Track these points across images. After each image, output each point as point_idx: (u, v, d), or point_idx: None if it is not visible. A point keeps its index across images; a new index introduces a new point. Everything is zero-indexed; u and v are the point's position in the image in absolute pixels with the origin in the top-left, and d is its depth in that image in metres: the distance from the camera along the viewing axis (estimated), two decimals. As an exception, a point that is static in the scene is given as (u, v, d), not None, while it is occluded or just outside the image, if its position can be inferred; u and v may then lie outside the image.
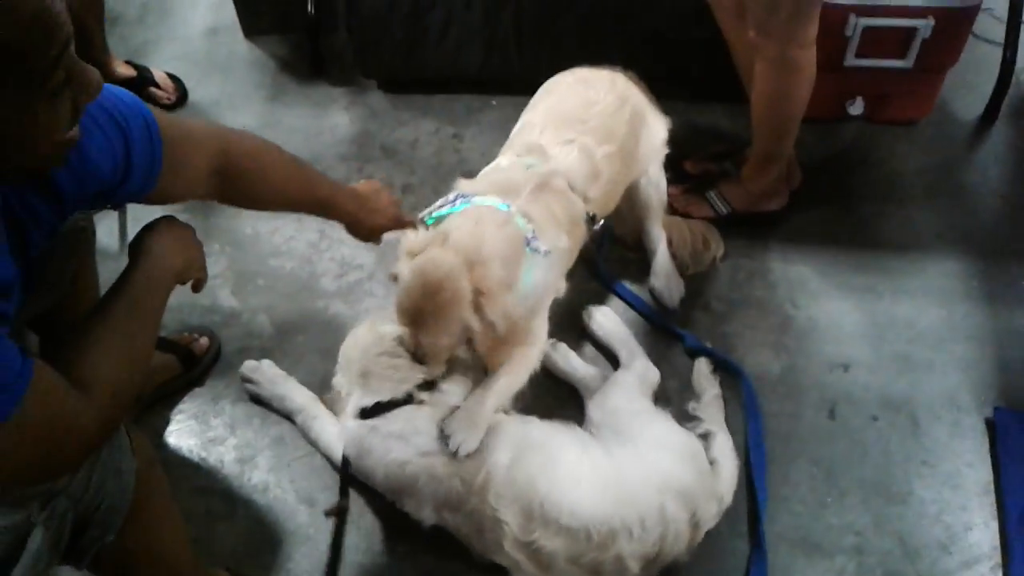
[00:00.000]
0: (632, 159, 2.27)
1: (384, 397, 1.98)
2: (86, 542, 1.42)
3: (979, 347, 2.47)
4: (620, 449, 1.95)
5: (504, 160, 2.17)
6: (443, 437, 1.90)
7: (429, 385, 2.01)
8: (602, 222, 2.21)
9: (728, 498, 2.01)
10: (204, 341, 2.48)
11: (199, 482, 2.24)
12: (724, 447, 2.13)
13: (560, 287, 2.07)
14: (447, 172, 2.97)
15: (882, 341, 2.48)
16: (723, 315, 2.55)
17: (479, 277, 1.82)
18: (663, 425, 2.07)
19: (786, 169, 2.69)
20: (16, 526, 1.30)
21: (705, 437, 2.14)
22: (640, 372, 2.26)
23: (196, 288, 1.61)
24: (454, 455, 1.87)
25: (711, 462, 2.05)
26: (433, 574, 2.06)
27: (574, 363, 2.34)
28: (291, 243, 2.80)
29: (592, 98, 2.19)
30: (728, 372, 2.38)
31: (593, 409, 2.14)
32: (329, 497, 2.18)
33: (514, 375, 2.01)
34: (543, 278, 1.95)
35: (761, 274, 2.64)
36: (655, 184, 2.42)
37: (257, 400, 2.37)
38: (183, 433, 2.33)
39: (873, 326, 2.51)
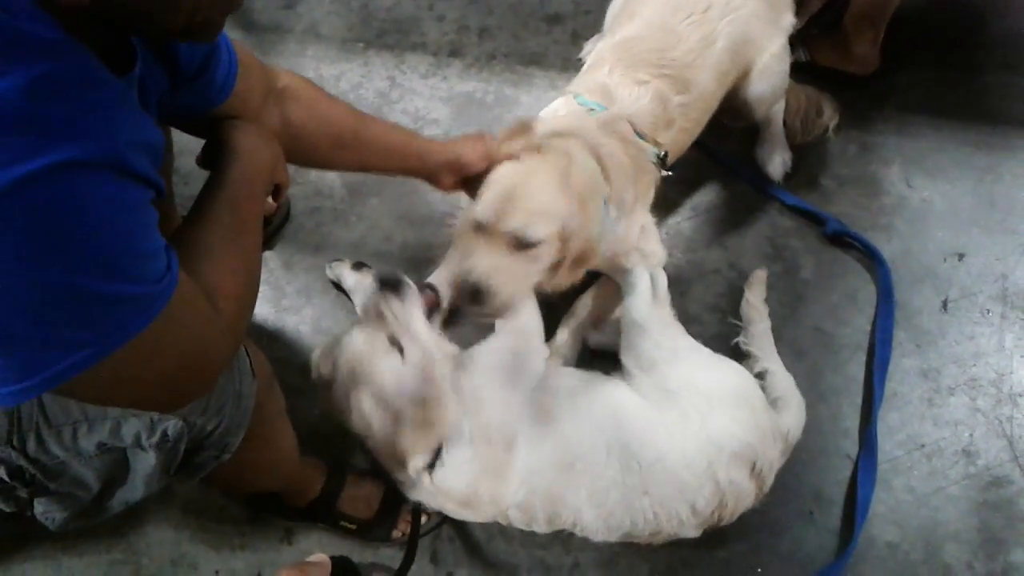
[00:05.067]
0: (721, 91, 2.04)
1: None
2: (200, 461, 1.33)
3: (1103, 239, 2.30)
4: (662, 418, 1.68)
5: (562, 104, 1.95)
6: None
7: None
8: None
9: (796, 433, 1.80)
10: (272, 201, 2.30)
11: (276, 353, 2.13)
12: (786, 385, 1.91)
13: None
14: (528, 15, 2.72)
15: (1000, 228, 2.31)
16: (832, 193, 2.37)
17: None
18: (704, 370, 1.79)
19: (882, 33, 2.44)
20: (117, 448, 1.20)
21: (761, 376, 1.92)
22: (645, 289, 1.89)
23: (277, 195, 1.44)
24: None
25: (774, 401, 1.84)
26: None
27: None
28: (359, 91, 2.57)
29: (677, 33, 1.92)
30: (868, 258, 2.25)
31: (627, 360, 1.83)
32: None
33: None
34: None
35: (875, 148, 2.43)
36: (765, 93, 2.15)
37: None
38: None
39: (992, 210, 2.34)
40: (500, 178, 1.68)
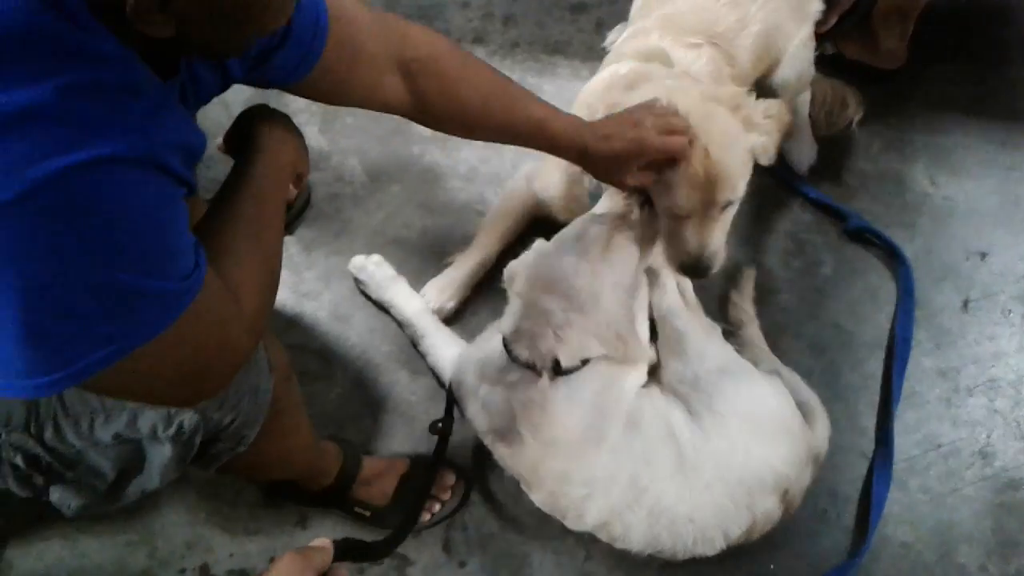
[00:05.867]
0: (754, 75, 2.02)
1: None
2: (216, 452, 1.35)
3: None
4: (710, 446, 1.65)
5: (622, 67, 1.88)
6: None
7: None
8: None
9: (824, 449, 1.76)
10: (292, 188, 2.31)
11: (294, 339, 2.14)
12: (799, 386, 1.87)
13: None
14: (552, 3, 2.71)
15: (1024, 228, 2.29)
16: (855, 189, 2.35)
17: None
18: (748, 392, 1.73)
19: (911, 27, 2.42)
20: (133, 439, 1.22)
21: None
22: (674, 292, 1.86)
23: (298, 183, 1.44)
24: None
25: (798, 406, 1.78)
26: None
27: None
28: (381, 77, 2.57)
29: (715, 12, 1.90)
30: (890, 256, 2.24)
31: (669, 369, 1.79)
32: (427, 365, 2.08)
33: None
34: None
35: (899, 145, 2.41)
36: (791, 79, 2.12)
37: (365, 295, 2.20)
38: (274, 285, 2.21)
39: (1016, 210, 2.31)
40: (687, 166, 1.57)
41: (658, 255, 1.83)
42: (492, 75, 1.53)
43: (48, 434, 1.15)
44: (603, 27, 2.63)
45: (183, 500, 1.96)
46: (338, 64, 1.31)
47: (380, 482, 1.90)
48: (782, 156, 2.34)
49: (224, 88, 1.25)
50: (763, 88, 2.12)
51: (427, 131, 2.35)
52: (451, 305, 2.11)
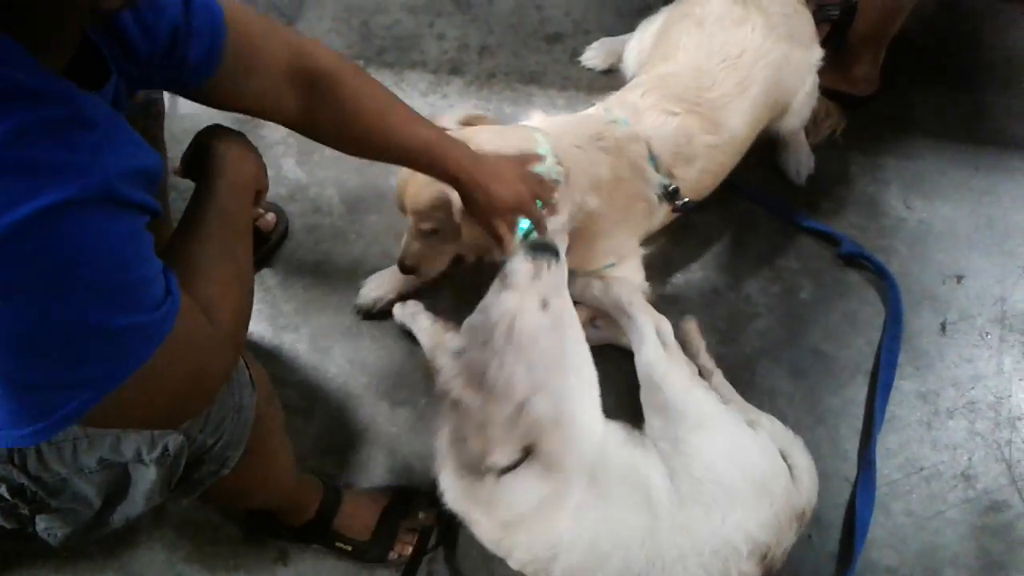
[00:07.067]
0: (753, 135, 2.07)
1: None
2: (200, 476, 1.33)
3: (1103, 263, 2.30)
4: (685, 513, 1.59)
5: (592, 109, 1.98)
6: None
7: None
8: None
9: (812, 505, 1.68)
10: (271, 217, 2.30)
11: (273, 371, 2.07)
12: (784, 436, 1.78)
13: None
14: (528, 34, 2.72)
15: (999, 251, 2.31)
16: (831, 214, 2.36)
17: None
18: (728, 451, 1.67)
19: (883, 53, 2.47)
20: (118, 463, 1.20)
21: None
22: (653, 340, 1.85)
23: (258, 200, 1.40)
24: None
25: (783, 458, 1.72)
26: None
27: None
28: (358, 108, 2.57)
29: (713, 76, 1.95)
30: (879, 278, 2.25)
31: (649, 422, 1.77)
32: (408, 396, 2.09)
33: None
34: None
35: (873, 169, 2.44)
36: (796, 125, 2.23)
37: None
38: (253, 317, 2.17)
39: (990, 233, 2.34)
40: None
41: (635, 301, 1.86)
42: (385, 91, 1.49)
43: (31, 463, 1.13)
44: (578, 56, 2.66)
45: (162, 538, 1.93)
46: (236, 65, 1.26)
47: (362, 516, 1.88)
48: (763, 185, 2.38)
49: (141, 80, 1.20)
50: (768, 134, 2.18)
51: (405, 161, 2.42)
52: (389, 297, 2.17)
